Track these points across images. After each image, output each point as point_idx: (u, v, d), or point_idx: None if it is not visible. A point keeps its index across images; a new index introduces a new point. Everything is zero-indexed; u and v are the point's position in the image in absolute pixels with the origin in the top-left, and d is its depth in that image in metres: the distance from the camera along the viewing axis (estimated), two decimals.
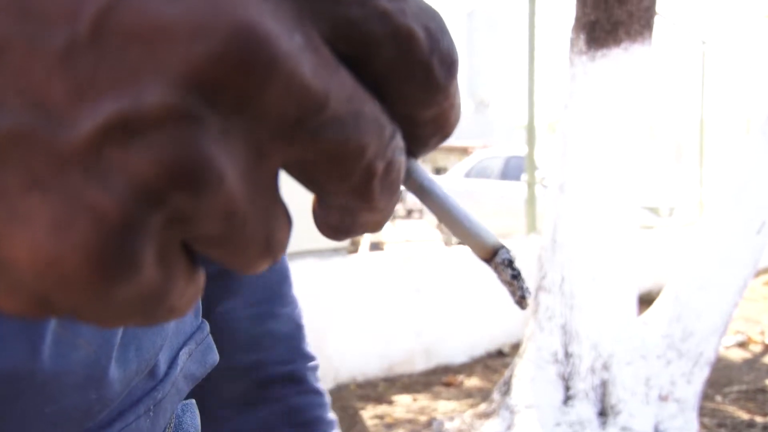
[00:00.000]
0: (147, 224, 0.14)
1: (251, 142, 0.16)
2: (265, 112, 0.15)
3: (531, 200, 4.54)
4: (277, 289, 0.57)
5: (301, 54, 0.15)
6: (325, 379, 3.37)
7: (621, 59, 2.54)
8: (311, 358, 0.60)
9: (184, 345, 0.43)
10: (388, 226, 7.98)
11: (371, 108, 0.17)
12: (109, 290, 0.15)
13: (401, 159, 0.18)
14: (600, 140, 2.57)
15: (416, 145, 0.20)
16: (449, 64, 0.18)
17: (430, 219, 8.65)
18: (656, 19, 2.61)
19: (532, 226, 4.51)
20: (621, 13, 2.51)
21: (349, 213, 0.19)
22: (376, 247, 6.24)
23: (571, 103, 2.64)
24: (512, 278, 0.23)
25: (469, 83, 25.94)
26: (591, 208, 2.58)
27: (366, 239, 6.33)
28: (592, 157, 2.58)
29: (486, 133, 23.78)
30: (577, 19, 2.61)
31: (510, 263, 0.23)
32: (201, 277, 0.17)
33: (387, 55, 0.17)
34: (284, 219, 0.18)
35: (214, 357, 0.47)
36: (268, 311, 0.57)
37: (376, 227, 0.20)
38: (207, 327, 0.46)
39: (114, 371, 0.34)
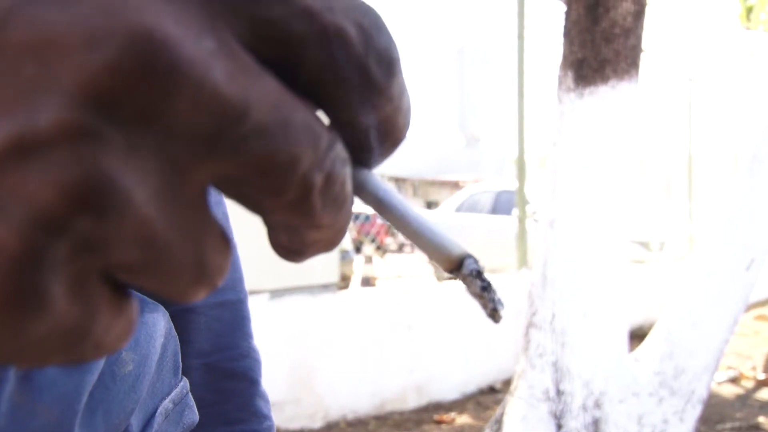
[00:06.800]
0: (51, 255, 0.13)
1: (165, 159, 0.14)
2: (174, 125, 0.14)
3: (522, 235, 4.53)
4: (229, 340, 0.53)
5: (212, 59, 0.14)
6: (314, 417, 3.32)
7: (608, 97, 2.56)
8: (263, 418, 0.54)
9: (160, 405, 0.40)
10: (379, 261, 7.94)
11: (303, 116, 0.16)
12: (20, 328, 0.13)
13: (344, 171, 0.17)
14: (589, 176, 2.59)
15: (366, 154, 0.19)
16: (388, 62, 0.17)
17: (421, 254, 8.61)
18: (643, 57, 2.65)
19: (523, 261, 4.50)
20: (608, 51, 2.54)
21: (294, 232, 0.17)
22: (367, 282, 6.20)
23: (559, 139, 2.66)
24: (482, 290, 0.21)
25: (460, 118, 26.18)
26: (581, 243, 2.58)
27: (357, 275, 6.30)
28: (582, 192, 2.59)
29: (477, 168, 23.93)
30: (565, 57, 2.65)
31: (478, 274, 0.21)
32: (132, 309, 0.16)
33: (316, 56, 0.16)
34: (219, 240, 0.16)
35: (193, 417, 0.44)
36: (216, 364, 0.52)
37: (328, 246, 0.18)
38: (187, 385, 0.44)
39: None
